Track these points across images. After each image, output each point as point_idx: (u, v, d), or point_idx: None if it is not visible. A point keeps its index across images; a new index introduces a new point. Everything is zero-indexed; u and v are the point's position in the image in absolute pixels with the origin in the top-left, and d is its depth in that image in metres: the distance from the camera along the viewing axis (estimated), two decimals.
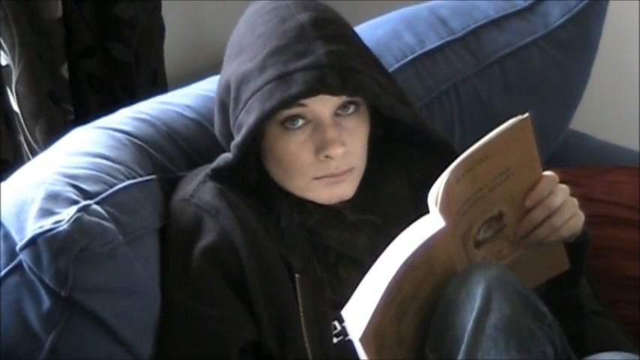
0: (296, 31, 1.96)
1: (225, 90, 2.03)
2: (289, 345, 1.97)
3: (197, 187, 2.03)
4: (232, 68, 2.02)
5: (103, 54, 2.90)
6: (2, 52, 2.67)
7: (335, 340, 1.94)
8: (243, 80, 1.98)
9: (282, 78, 1.92)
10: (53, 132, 2.27)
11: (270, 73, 1.93)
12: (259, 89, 1.93)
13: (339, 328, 1.96)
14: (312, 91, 1.90)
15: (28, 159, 2.08)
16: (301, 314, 1.97)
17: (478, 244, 1.93)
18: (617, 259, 2.29)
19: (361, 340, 1.66)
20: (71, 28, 2.81)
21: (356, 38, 2.07)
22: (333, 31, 1.99)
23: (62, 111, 2.74)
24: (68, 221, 1.85)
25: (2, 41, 2.66)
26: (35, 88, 2.72)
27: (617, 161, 2.54)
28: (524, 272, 1.96)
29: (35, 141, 2.65)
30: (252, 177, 2.04)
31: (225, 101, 2.03)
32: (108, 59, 2.90)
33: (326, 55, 1.92)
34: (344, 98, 1.97)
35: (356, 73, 1.95)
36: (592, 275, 2.16)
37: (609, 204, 2.30)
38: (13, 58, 2.67)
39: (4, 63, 2.68)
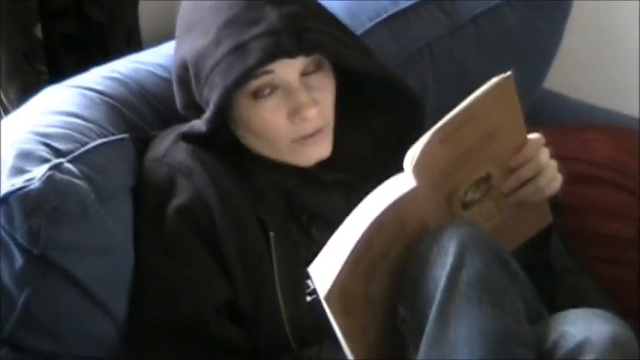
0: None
1: (182, 67, 2.04)
2: (263, 303, 1.98)
3: (170, 146, 2.04)
4: (186, 46, 2.03)
5: (77, 14, 2.89)
6: None
7: (308, 298, 1.94)
8: (200, 56, 1.99)
9: (239, 49, 1.93)
10: (27, 92, 2.28)
11: (225, 45, 1.95)
12: (218, 63, 1.95)
13: (312, 286, 1.95)
14: (269, 57, 1.92)
15: (1, 118, 2.06)
16: (275, 272, 1.98)
17: (466, 206, 1.94)
18: (591, 218, 2.30)
19: (326, 298, 1.68)
20: None
21: None
22: None
23: (36, 71, 2.74)
24: (40, 179, 1.85)
25: None
26: (9, 48, 2.72)
27: (592, 120, 2.55)
28: (512, 231, 2.02)
29: (9, 101, 2.65)
30: (223, 143, 2.05)
31: (184, 78, 2.05)
32: (82, 19, 2.89)
33: (279, 19, 1.94)
34: (308, 59, 1.98)
35: (312, 32, 1.97)
36: (566, 234, 2.17)
37: (584, 162, 2.31)
38: None
39: None
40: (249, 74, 1.92)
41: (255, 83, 1.96)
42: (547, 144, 2.02)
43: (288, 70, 1.97)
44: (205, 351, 1.96)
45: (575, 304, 1.95)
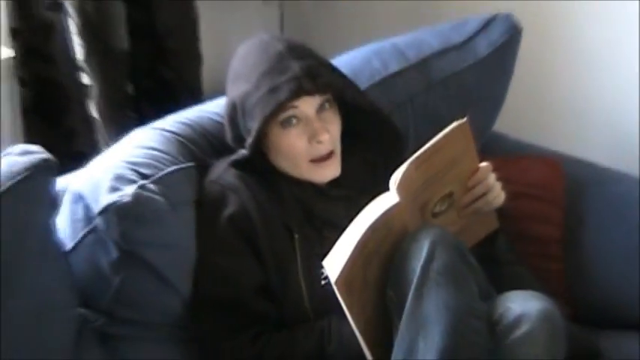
0: (276, 56, 2.02)
1: (231, 107, 2.08)
2: (289, 286, 2.00)
3: (222, 171, 2.07)
4: (234, 91, 2.08)
5: (157, 76, 2.93)
6: (85, 75, 2.70)
7: (322, 282, 1.96)
8: (245, 97, 2.03)
9: (273, 90, 1.98)
10: (121, 132, 2.30)
11: (263, 88, 1.99)
12: (258, 101, 2.00)
13: (325, 274, 1.98)
14: (294, 95, 1.97)
15: (102, 151, 2.09)
16: (298, 264, 2.01)
17: (435, 215, 1.99)
18: (526, 223, 2.35)
19: (336, 282, 1.73)
20: (134, 58, 2.84)
21: (318, 55, 2.12)
22: (302, 52, 2.06)
23: (128, 117, 2.78)
24: (130, 195, 1.89)
25: (86, 67, 2.68)
26: (110, 102, 2.75)
27: (526, 153, 2.60)
28: (469, 233, 2.06)
29: (109, 138, 2.69)
30: (260, 166, 2.08)
31: (233, 115, 2.08)
32: (159, 81, 2.93)
33: (300, 69, 1.99)
34: (320, 98, 2.03)
35: (323, 77, 2.02)
36: (509, 235, 2.21)
37: (520, 184, 2.34)
38: (94, 80, 2.70)
39: (86, 82, 2.71)
40: (280, 107, 1.97)
41: (283, 115, 2.00)
42: (494, 170, 2.07)
43: (307, 106, 2.02)
44: (246, 321, 1.98)
45: (515, 287, 1.95)
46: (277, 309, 2.02)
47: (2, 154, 1.80)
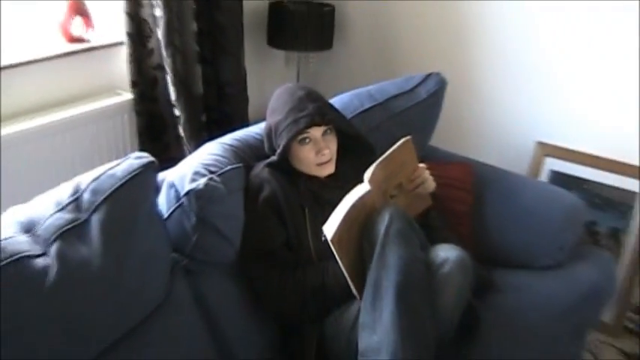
0: (298, 99, 2.03)
1: (268, 129, 2.08)
2: (302, 242, 1.99)
3: (260, 170, 2.05)
4: (271, 120, 2.07)
5: (220, 110, 2.92)
6: (177, 109, 2.69)
7: (322, 239, 1.90)
8: (277, 124, 2.03)
9: (295, 121, 1.99)
10: (198, 145, 2.27)
11: (289, 120, 2.00)
12: (285, 128, 2.00)
13: (324, 235, 1.94)
14: (308, 125, 1.99)
15: (185, 157, 2.07)
16: (308, 228, 1.99)
17: (392, 197, 1.99)
18: (449, 204, 2.32)
19: (332, 240, 1.75)
20: (206, 98, 2.83)
21: (325, 100, 2.12)
22: (315, 97, 2.06)
23: (202, 136, 2.76)
24: (203, 184, 1.87)
25: (177, 105, 2.67)
26: (191, 124, 2.74)
27: (449, 159, 2.58)
28: (412, 208, 2.05)
29: (190, 149, 2.68)
30: (284, 167, 2.06)
31: (269, 135, 2.08)
32: (223, 113, 2.93)
33: (313, 108, 2.00)
34: (324, 127, 2.03)
35: (327, 115, 2.03)
36: (439, 210, 2.19)
37: (447, 178, 2.32)
38: (181, 112, 2.71)
39: (177, 114, 2.70)
40: (299, 132, 1.99)
41: (300, 137, 2.01)
42: (428, 169, 2.09)
43: (316, 132, 2.02)
44: (274, 263, 1.96)
45: (442, 242, 1.95)
46: (294, 256, 1.99)
47: (124, 159, 1.78)
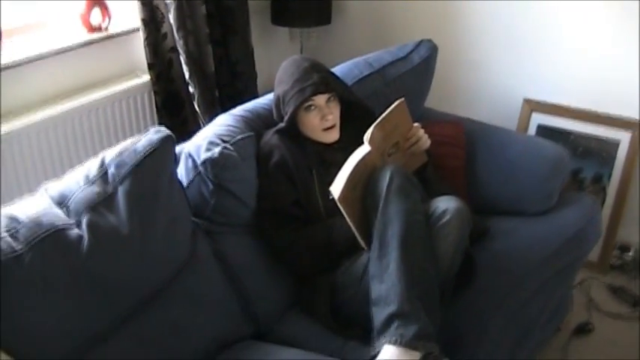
0: (304, 70, 2.01)
1: (277, 99, 2.06)
2: (311, 200, 1.98)
3: (270, 137, 2.04)
4: (278, 90, 2.05)
5: (233, 86, 2.89)
6: (191, 87, 2.67)
7: (330, 197, 1.90)
8: (285, 94, 2.01)
9: (300, 91, 1.97)
10: (212, 119, 2.26)
11: (295, 89, 1.98)
12: (291, 97, 1.98)
13: (332, 193, 1.94)
14: (313, 93, 1.97)
15: (200, 129, 2.06)
16: (316, 188, 1.98)
17: (389, 155, 1.95)
18: (444, 160, 2.29)
19: (338, 199, 1.74)
20: (218, 76, 2.80)
21: (329, 70, 2.10)
22: (319, 68, 2.04)
23: (216, 110, 2.75)
24: (218, 153, 1.87)
25: (191, 82, 2.65)
26: (205, 100, 2.72)
27: (442, 118, 2.56)
28: (409, 165, 2.03)
29: (205, 122, 2.65)
30: (292, 133, 2.04)
31: (277, 104, 2.06)
32: (235, 88, 2.90)
33: (318, 78, 1.98)
34: (327, 95, 2.00)
35: (330, 84, 2.01)
36: (435, 166, 2.17)
37: (441, 136, 2.29)
38: (195, 90, 2.68)
39: (192, 91, 2.68)
40: (305, 100, 1.97)
41: (306, 104, 1.99)
42: (423, 128, 2.05)
43: (320, 99, 1.99)
44: (287, 220, 1.96)
45: (439, 195, 1.94)
46: (305, 213, 1.98)
47: (144, 135, 1.77)
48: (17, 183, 2.30)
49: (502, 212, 2.26)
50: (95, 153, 2.51)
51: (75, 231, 1.57)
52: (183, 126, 2.76)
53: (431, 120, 2.38)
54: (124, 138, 2.64)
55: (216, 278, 1.87)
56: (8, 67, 2.28)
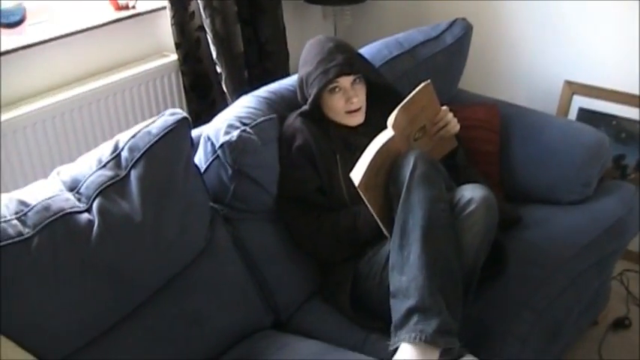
0: (328, 51, 1.90)
1: (300, 81, 1.96)
2: (334, 187, 1.89)
3: (293, 120, 1.95)
4: (302, 71, 1.95)
5: (262, 66, 2.82)
6: (218, 67, 2.59)
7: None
8: (308, 75, 1.91)
9: (324, 72, 1.87)
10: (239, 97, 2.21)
11: (319, 70, 1.88)
12: (315, 78, 1.89)
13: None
14: (337, 75, 1.87)
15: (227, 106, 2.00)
16: (340, 173, 1.89)
17: (415, 140, 1.85)
18: (477, 144, 2.18)
19: (358, 186, 1.64)
20: (247, 56, 2.72)
21: (354, 50, 1.99)
22: (344, 49, 1.92)
23: (245, 91, 2.64)
24: (237, 136, 1.79)
25: (218, 62, 2.58)
26: (233, 81, 2.65)
27: (476, 100, 2.44)
28: (437, 151, 1.93)
29: (232, 100, 2.58)
30: (316, 116, 1.94)
31: (301, 85, 1.96)
32: (264, 69, 2.83)
33: (342, 59, 1.87)
34: (353, 76, 1.90)
35: (355, 65, 1.91)
36: (466, 149, 2.06)
37: (474, 119, 2.19)
38: (222, 70, 2.60)
39: (219, 71, 2.61)
40: (329, 82, 1.87)
41: (330, 86, 1.89)
42: (456, 112, 1.94)
43: (345, 81, 1.89)
44: (310, 208, 1.89)
45: (469, 182, 1.83)
46: (328, 200, 1.90)
47: (159, 116, 1.70)
48: (41, 164, 2.26)
49: (536, 200, 2.15)
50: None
51: (85, 216, 1.52)
52: (211, 108, 2.70)
53: (464, 102, 2.27)
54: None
55: (235, 267, 1.80)
56: (34, 45, 2.24)
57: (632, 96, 2.57)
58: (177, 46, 2.58)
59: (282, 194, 1.89)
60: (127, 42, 2.56)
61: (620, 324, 2.33)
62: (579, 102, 2.70)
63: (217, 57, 2.59)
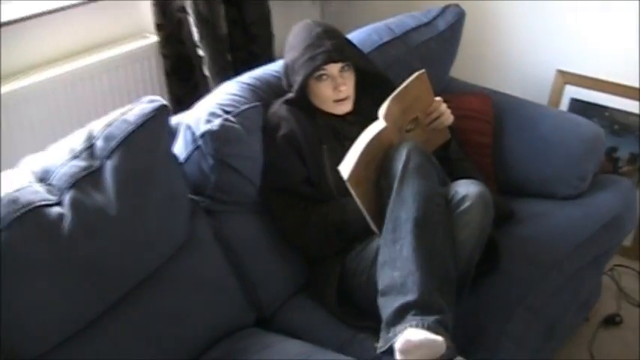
0: (316, 36, 1.80)
1: (286, 67, 1.86)
2: (321, 178, 1.80)
3: (278, 107, 1.85)
4: (288, 57, 1.85)
5: (247, 50, 2.70)
6: (200, 50, 2.48)
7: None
8: (294, 61, 1.81)
9: (311, 58, 1.77)
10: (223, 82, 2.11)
11: (306, 57, 1.78)
12: (301, 65, 1.79)
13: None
14: (325, 62, 1.77)
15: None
16: (326, 164, 1.80)
17: (408, 131, 1.76)
18: (470, 135, 2.08)
19: (348, 180, 1.55)
20: (232, 38, 2.61)
21: (343, 36, 1.90)
22: (333, 34, 1.82)
23: (228, 75, 2.55)
24: (218, 125, 1.69)
25: (200, 45, 2.46)
26: (216, 65, 2.54)
27: (468, 90, 2.35)
28: (430, 143, 1.83)
29: (215, 85, 2.47)
30: (302, 103, 1.84)
31: (287, 72, 1.86)
32: (249, 52, 2.71)
33: (331, 45, 1.77)
34: (341, 63, 1.80)
35: (344, 51, 1.81)
36: (459, 141, 1.98)
37: (466, 110, 2.10)
38: (205, 54, 2.49)
39: (201, 54, 2.49)
40: (316, 69, 1.77)
41: (317, 74, 1.79)
42: (449, 102, 1.86)
43: (333, 68, 1.79)
44: (297, 199, 1.79)
45: (463, 175, 1.76)
46: (315, 192, 1.81)
47: (136, 104, 1.59)
48: (11, 152, 2.13)
49: (530, 194, 2.07)
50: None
51: (56, 209, 1.41)
52: (193, 92, 2.59)
53: (456, 92, 2.18)
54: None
55: (217, 261, 1.71)
56: (6, 25, 2.11)
57: (627, 87, 2.49)
58: (158, 27, 2.46)
59: (267, 185, 1.80)
60: (105, 22, 2.42)
61: (611, 321, 2.27)
62: (571, 92, 2.62)
63: (200, 40, 2.47)
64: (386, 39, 2.15)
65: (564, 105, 2.63)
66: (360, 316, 1.71)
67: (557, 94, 2.65)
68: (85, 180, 1.46)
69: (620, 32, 2.46)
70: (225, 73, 2.58)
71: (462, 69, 2.46)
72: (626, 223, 1.99)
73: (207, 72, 2.53)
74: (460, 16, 2.28)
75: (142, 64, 2.48)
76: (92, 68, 2.30)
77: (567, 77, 2.62)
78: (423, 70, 1.72)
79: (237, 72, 2.63)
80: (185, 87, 2.58)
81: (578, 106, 2.59)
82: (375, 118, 1.71)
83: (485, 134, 2.13)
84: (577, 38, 2.57)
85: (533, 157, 2.08)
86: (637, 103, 2.48)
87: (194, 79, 2.60)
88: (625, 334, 2.24)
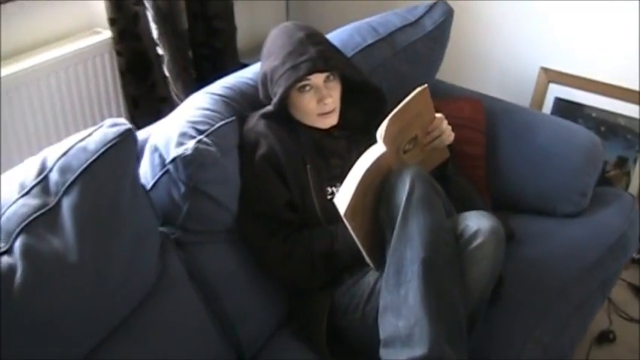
0: (298, 41, 1.58)
1: (264, 76, 1.64)
2: (306, 202, 1.59)
3: (255, 122, 1.64)
4: (266, 65, 1.63)
5: (209, 45, 2.48)
6: (159, 48, 2.24)
7: (329, 197, 1.58)
8: (273, 70, 1.59)
9: (294, 68, 1.56)
10: (185, 85, 1.87)
11: (287, 65, 1.56)
12: (282, 74, 1.57)
13: (329, 192, 1.60)
14: (309, 72, 1.55)
15: (172, 97, 1.68)
16: (311, 186, 1.59)
17: (405, 152, 1.56)
18: (460, 146, 1.86)
19: (344, 215, 1.36)
20: (193, 33, 2.39)
21: (328, 41, 1.68)
22: (317, 39, 1.62)
23: (189, 73, 2.34)
24: (191, 148, 1.46)
25: (160, 42, 2.23)
26: (176, 64, 2.31)
27: (458, 94, 2.16)
28: (429, 162, 1.65)
29: (176, 89, 2.28)
30: (282, 117, 1.63)
31: (264, 82, 1.64)
32: (212, 47, 2.50)
33: (315, 52, 1.56)
34: (326, 73, 1.59)
35: (331, 60, 1.59)
36: (452, 153, 1.78)
37: (456, 117, 1.89)
38: (164, 51, 2.26)
39: (160, 52, 2.26)
40: (298, 80, 1.56)
41: (300, 84, 1.58)
42: (437, 109, 1.65)
43: (318, 78, 1.59)
44: (278, 226, 1.58)
45: (458, 192, 1.65)
46: (299, 217, 1.61)
47: (96, 128, 1.35)
48: None
49: (527, 210, 1.92)
50: (47, 129, 2.13)
51: (4, 259, 1.18)
52: (151, 92, 2.36)
53: (443, 96, 2.00)
54: (81, 110, 2.25)
55: (192, 301, 1.49)
56: None
57: (614, 87, 2.36)
58: (112, 22, 2.22)
59: (245, 211, 1.59)
60: (51, 17, 2.18)
61: (605, 338, 2.14)
62: (556, 91, 2.47)
63: (159, 36, 2.23)
64: (370, 40, 1.95)
65: (548, 105, 2.49)
66: (353, 356, 1.53)
67: (540, 93, 2.50)
68: (39, 221, 1.22)
69: (607, 29, 2.33)
70: (186, 73, 2.37)
71: (445, 67, 2.28)
72: (630, 243, 1.85)
73: (166, 71, 2.30)
74: (448, 15, 2.08)
75: (94, 62, 2.25)
76: (37, 69, 2.07)
77: (551, 75, 2.47)
78: (425, 85, 1.52)
79: (199, 70, 2.45)
80: (142, 87, 2.35)
81: (563, 106, 2.45)
82: (362, 131, 1.54)
83: (478, 144, 1.96)
84: (562, 33, 2.42)
85: (529, 169, 1.93)
86: (625, 103, 2.35)
87: (151, 79, 2.37)
88: (620, 351, 2.12)
